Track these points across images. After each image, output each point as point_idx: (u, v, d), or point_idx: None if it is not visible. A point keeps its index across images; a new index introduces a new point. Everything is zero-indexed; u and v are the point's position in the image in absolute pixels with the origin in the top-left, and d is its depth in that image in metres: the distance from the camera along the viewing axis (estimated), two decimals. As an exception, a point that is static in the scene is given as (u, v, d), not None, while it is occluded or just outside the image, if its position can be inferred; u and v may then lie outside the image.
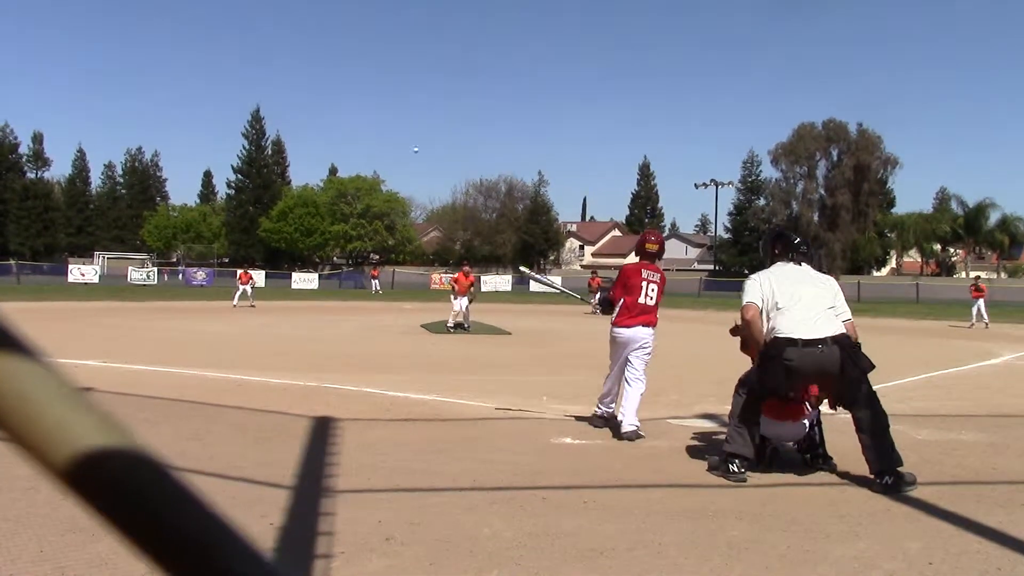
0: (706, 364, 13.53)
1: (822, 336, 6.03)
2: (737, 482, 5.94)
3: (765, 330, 6.26)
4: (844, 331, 6.16)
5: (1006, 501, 5.57)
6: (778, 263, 6.60)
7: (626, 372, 7.80)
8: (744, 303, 6.38)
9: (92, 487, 0.44)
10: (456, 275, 22.15)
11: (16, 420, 0.45)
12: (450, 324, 20.76)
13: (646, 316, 7.84)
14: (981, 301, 28.19)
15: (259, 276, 63.55)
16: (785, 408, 6.27)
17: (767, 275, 6.48)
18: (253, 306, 31.24)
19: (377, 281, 53.61)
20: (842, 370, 6.00)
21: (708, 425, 8.08)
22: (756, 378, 6.30)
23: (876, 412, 6.04)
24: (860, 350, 6.16)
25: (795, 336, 6.04)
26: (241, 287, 32.31)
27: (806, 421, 6.41)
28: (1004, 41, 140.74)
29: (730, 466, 6.08)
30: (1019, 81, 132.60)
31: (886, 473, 5.82)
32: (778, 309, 6.21)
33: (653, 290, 7.91)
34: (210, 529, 0.45)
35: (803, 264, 6.59)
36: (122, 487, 0.44)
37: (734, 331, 6.98)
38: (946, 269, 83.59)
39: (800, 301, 6.19)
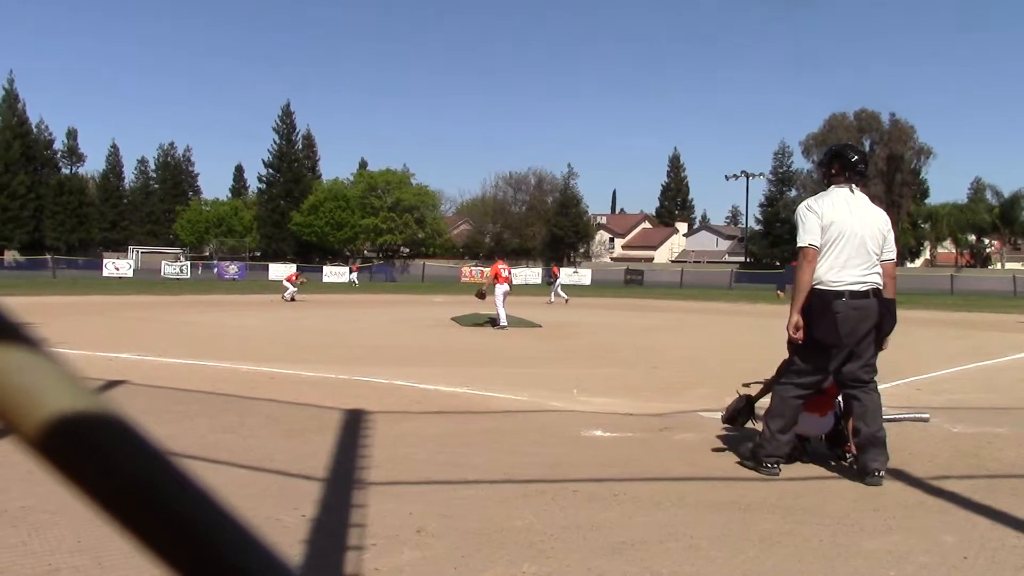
0: (737, 356, 13.45)
1: (871, 286, 5.77)
2: (769, 476, 5.87)
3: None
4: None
5: (1043, 495, 5.51)
6: (833, 187, 6.01)
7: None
8: (803, 245, 5.80)
9: (63, 452, 0.43)
10: (496, 268, 21.40)
11: None
12: (503, 323, 19.58)
13: None
14: None
15: (289, 270, 64.18)
16: (813, 401, 6.15)
17: (822, 202, 5.91)
18: (292, 300, 31.79)
19: (356, 275, 56.20)
20: (879, 327, 5.77)
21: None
22: (800, 359, 5.86)
23: (878, 393, 5.87)
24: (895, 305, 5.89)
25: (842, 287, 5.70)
26: (289, 286, 33.01)
27: (832, 414, 6.33)
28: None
29: (764, 462, 5.92)
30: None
31: (883, 469, 5.68)
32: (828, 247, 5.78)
33: None
34: (185, 493, 0.44)
35: (857, 190, 6.01)
36: (93, 450, 0.43)
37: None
38: (981, 260, 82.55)
39: (850, 240, 5.76)
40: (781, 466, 5.96)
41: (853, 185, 5.97)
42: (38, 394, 0.43)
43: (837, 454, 6.39)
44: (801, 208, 5.99)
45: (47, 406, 0.43)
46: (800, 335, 5.74)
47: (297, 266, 50.11)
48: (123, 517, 0.43)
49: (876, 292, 5.77)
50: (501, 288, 20.28)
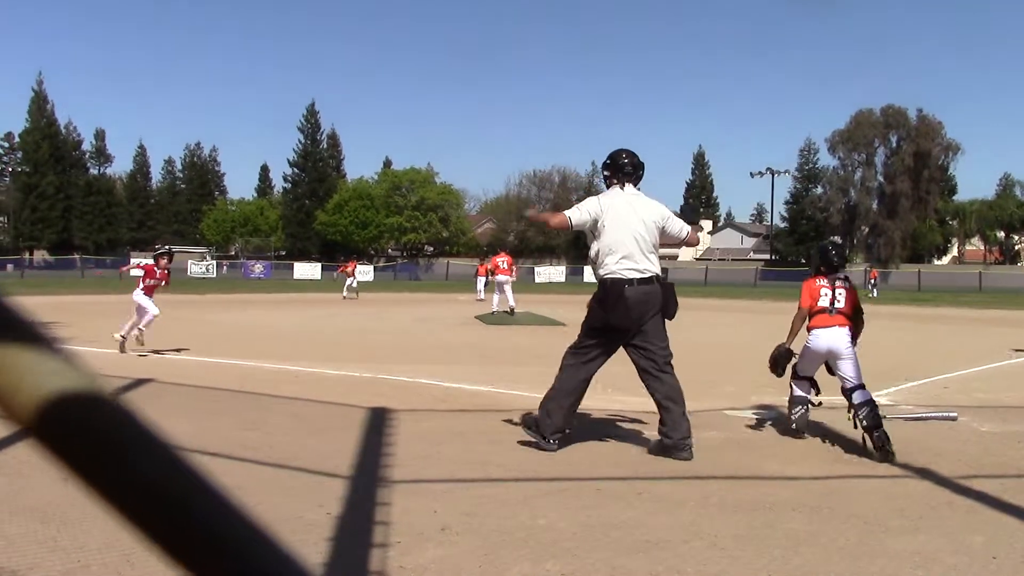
0: (762, 354, 13.36)
1: (653, 273, 6.51)
2: (549, 450, 6.37)
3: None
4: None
5: (1073, 494, 5.44)
6: (613, 187, 6.78)
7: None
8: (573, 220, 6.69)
9: (56, 432, 0.43)
10: (495, 260, 23.92)
11: None
12: (510, 306, 22.13)
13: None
14: None
15: (314, 269, 64.31)
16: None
17: (603, 200, 6.69)
18: (355, 297, 32.65)
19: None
20: (664, 310, 6.50)
21: (765, 416, 8.00)
22: (589, 340, 6.64)
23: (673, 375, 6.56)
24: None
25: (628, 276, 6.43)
26: (348, 279, 33.67)
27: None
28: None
29: (549, 438, 6.46)
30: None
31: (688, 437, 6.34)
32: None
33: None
34: (176, 475, 0.43)
35: (629, 188, 6.74)
36: (86, 431, 0.43)
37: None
38: (1010, 257, 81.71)
39: (629, 233, 6.50)
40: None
41: (628, 184, 6.72)
42: (36, 377, 0.43)
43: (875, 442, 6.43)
44: (589, 198, 6.86)
45: (43, 387, 0.43)
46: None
47: (348, 257, 47.97)
48: (120, 505, 0.43)
49: (658, 279, 6.52)
50: (502, 278, 22.83)
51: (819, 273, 7.26)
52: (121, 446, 0.43)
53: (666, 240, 6.76)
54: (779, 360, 7.34)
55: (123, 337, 12.25)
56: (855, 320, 7.07)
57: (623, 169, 6.75)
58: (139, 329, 12.40)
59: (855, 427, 6.65)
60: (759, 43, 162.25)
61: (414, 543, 4.20)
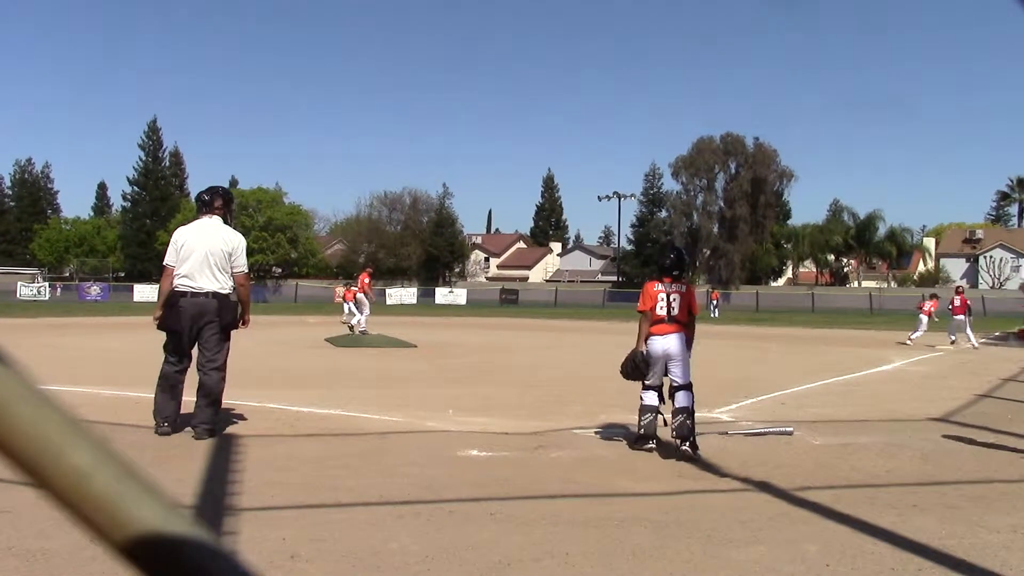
0: (610, 373, 13.66)
1: (212, 289, 7.69)
2: (162, 434, 7.71)
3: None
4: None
5: (898, 502, 5.77)
6: (200, 217, 8.01)
7: None
8: (164, 263, 7.92)
9: (140, 557, 0.44)
10: (365, 277, 25.26)
11: (75, 497, 0.46)
12: (364, 328, 23.59)
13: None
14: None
15: (155, 291, 61.92)
16: None
17: (183, 229, 8.00)
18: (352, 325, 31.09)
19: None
20: (220, 320, 7.77)
21: (612, 434, 8.16)
22: (169, 343, 7.95)
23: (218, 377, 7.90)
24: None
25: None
26: (346, 304, 29.47)
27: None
28: (885, 67, 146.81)
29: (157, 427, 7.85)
30: (903, 100, 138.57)
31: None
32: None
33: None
34: None
35: (208, 219, 7.94)
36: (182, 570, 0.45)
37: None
38: (840, 279, 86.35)
39: (195, 255, 7.71)
40: (656, 484, 6.16)
41: (209, 216, 7.96)
42: (125, 507, 0.45)
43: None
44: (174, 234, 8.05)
45: (136, 522, 0.45)
46: (159, 320, 7.87)
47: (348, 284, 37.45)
48: None
49: (216, 295, 7.71)
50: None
51: (656, 277, 7.80)
52: None
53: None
54: (638, 365, 7.57)
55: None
56: (689, 326, 7.63)
57: (208, 203, 8.11)
58: None
59: (670, 434, 7.11)
60: (606, 71, 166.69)
61: (263, 572, 4.08)
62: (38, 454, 0.45)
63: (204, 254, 7.67)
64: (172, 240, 7.89)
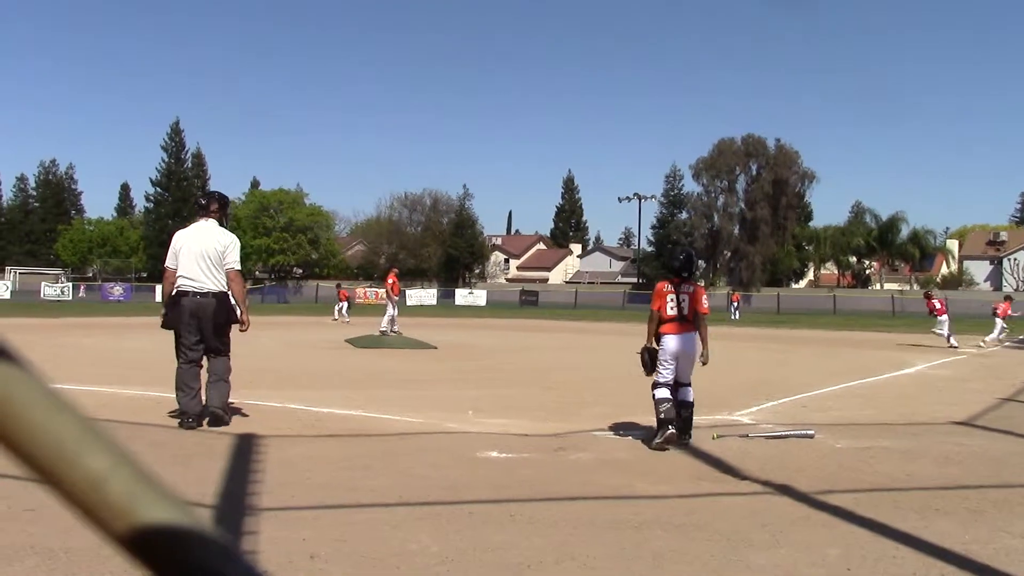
0: (631, 375, 13.64)
1: (210, 288, 8.11)
2: (188, 429, 7.99)
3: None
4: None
5: (920, 507, 5.73)
6: (199, 220, 8.44)
7: None
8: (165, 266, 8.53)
9: (154, 560, 0.46)
10: (391, 278, 25.26)
11: (91, 501, 0.47)
12: (396, 328, 23.82)
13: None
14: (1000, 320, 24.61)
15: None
16: None
17: (180, 232, 8.48)
18: (347, 322, 32.40)
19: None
20: (216, 317, 8.14)
21: (633, 436, 8.14)
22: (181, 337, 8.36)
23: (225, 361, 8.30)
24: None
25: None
26: (339, 304, 34.25)
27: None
28: (907, 68, 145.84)
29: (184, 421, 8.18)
30: (925, 102, 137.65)
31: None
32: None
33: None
34: None
35: (203, 221, 8.38)
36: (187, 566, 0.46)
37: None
38: (862, 281, 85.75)
39: (193, 255, 8.15)
40: (674, 485, 6.12)
41: (205, 219, 8.37)
42: (141, 510, 0.47)
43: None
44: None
45: (141, 516, 0.47)
46: (164, 320, 8.49)
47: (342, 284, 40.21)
48: None
49: (215, 294, 8.15)
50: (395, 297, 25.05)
51: (667, 278, 8.23)
52: None
53: None
54: (651, 360, 7.92)
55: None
56: (699, 324, 8.02)
57: (205, 207, 8.57)
58: None
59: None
60: (628, 71, 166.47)
61: (283, 572, 4.10)
62: (55, 458, 0.45)
63: (200, 254, 8.14)
64: (171, 243, 8.40)
